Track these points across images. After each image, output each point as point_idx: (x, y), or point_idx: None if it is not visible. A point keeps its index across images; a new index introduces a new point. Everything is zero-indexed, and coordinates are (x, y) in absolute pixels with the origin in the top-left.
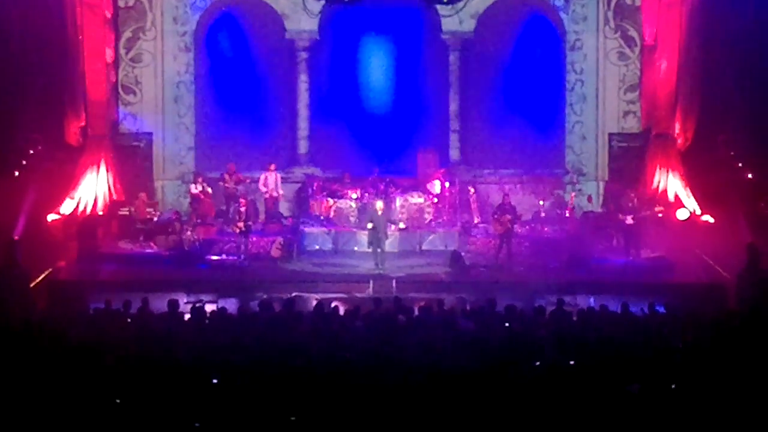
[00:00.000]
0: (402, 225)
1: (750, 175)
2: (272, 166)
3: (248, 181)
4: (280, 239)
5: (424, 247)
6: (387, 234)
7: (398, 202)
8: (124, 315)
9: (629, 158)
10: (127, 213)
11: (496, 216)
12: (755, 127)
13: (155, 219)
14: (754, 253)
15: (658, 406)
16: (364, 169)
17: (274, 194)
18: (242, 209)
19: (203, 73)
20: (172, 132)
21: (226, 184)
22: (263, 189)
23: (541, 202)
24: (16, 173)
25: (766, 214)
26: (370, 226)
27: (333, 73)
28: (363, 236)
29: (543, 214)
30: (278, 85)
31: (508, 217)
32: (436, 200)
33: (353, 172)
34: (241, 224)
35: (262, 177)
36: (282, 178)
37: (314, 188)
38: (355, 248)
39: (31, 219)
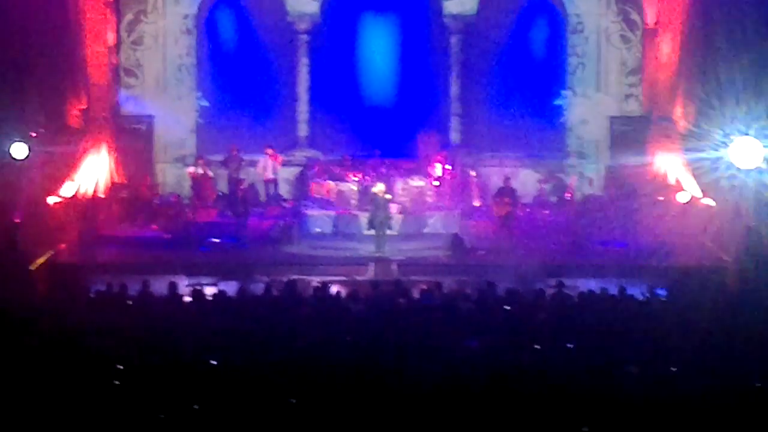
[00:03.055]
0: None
1: None
2: (269, 150)
3: (243, 163)
4: (280, 222)
5: (424, 230)
6: (390, 216)
7: (399, 185)
8: (125, 297)
9: (630, 142)
10: (128, 196)
11: (496, 199)
12: None
13: (156, 202)
14: (754, 236)
15: (657, 390)
16: (365, 152)
17: (271, 176)
18: (240, 192)
19: (204, 56)
20: (173, 115)
21: (230, 167)
22: (260, 172)
23: (542, 186)
24: None
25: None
26: (366, 220)
27: (334, 55)
28: (364, 219)
29: (544, 198)
30: (279, 68)
31: (509, 200)
32: (437, 183)
33: (354, 155)
34: (239, 207)
35: (261, 161)
36: (282, 159)
37: (315, 171)
38: (356, 231)
39: (32, 202)
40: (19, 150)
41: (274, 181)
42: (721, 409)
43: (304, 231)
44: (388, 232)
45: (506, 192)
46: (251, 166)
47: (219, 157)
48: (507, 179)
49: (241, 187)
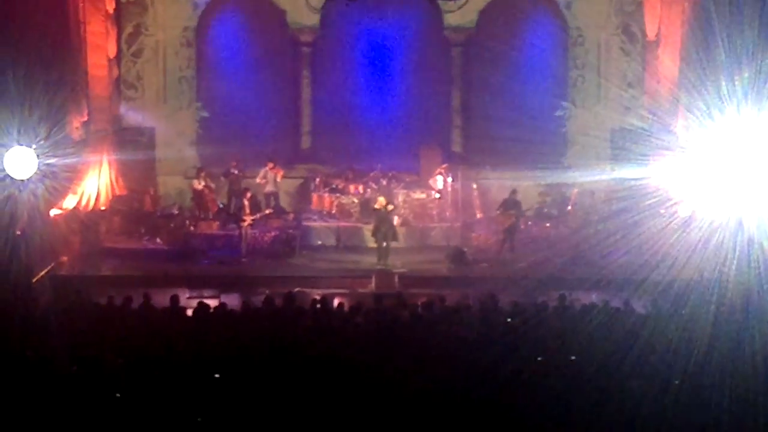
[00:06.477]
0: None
1: None
2: (270, 164)
3: (242, 176)
4: (282, 234)
5: (426, 243)
6: (393, 228)
7: (401, 197)
8: (126, 310)
9: (631, 154)
10: (129, 208)
11: (500, 211)
12: None
13: (157, 214)
14: (756, 249)
15: (660, 402)
16: (366, 164)
17: (271, 189)
18: (245, 204)
19: (205, 68)
20: (174, 127)
21: (229, 180)
22: (260, 182)
23: (544, 198)
24: None
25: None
26: (369, 231)
27: (335, 67)
28: (366, 231)
29: (545, 210)
30: (280, 80)
31: (513, 212)
32: (438, 196)
33: (356, 167)
34: (246, 219)
35: (261, 172)
36: (284, 173)
37: (317, 183)
38: (358, 243)
39: (33, 214)
40: (23, 169)
41: (275, 195)
42: (724, 423)
43: (306, 243)
44: (393, 244)
45: (511, 204)
46: (252, 179)
47: (219, 171)
48: (514, 191)
49: (248, 196)
